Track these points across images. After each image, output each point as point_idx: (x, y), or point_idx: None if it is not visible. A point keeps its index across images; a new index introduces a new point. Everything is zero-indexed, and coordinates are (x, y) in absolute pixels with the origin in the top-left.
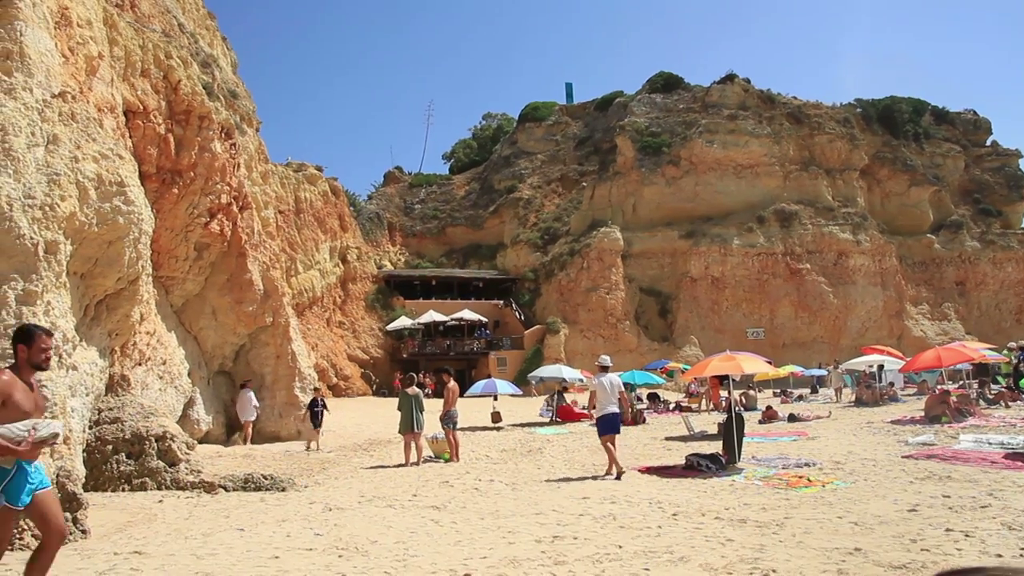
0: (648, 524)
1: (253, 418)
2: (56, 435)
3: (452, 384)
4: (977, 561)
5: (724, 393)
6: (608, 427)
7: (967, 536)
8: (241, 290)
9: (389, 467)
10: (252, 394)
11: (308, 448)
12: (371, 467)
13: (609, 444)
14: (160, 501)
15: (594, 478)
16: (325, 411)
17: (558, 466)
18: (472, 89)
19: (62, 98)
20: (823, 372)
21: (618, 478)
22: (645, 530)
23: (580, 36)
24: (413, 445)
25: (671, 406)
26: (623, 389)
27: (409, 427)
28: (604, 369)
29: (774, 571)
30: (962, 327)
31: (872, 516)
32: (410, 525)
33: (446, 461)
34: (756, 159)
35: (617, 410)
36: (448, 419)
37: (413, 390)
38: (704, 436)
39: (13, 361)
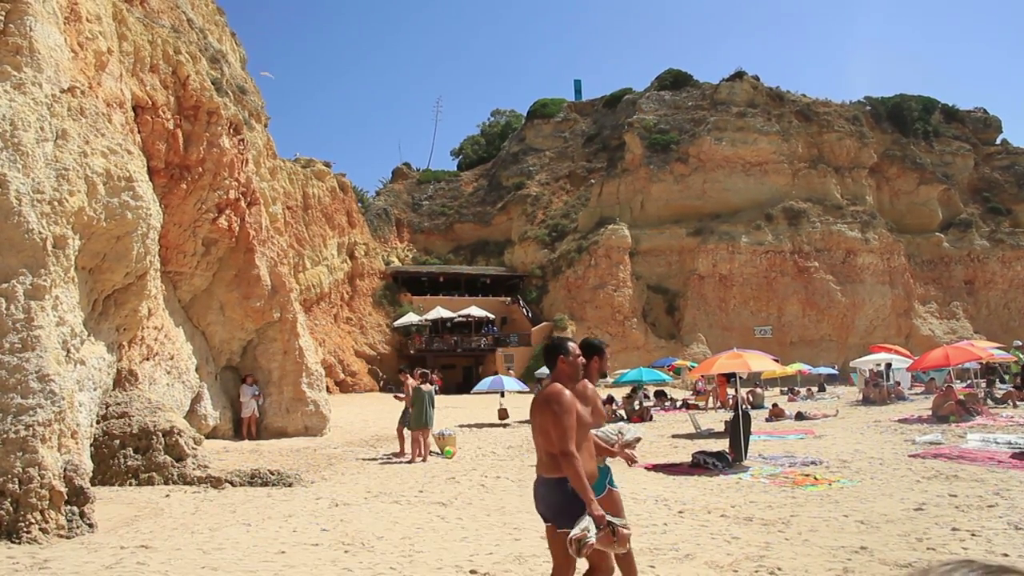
0: (654, 521)
1: (249, 413)
2: (639, 439)
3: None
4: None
5: (731, 391)
6: None
7: (973, 535)
8: (249, 286)
9: (396, 463)
10: (250, 388)
11: None
12: (378, 463)
13: None
14: (167, 496)
15: None
16: None
17: None
18: (481, 86)
19: (71, 93)
20: (832, 370)
21: None
22: (651, 527)
23: (589, 33)
24: (421, 441)
25: (678, 404)
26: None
27: (421, 423)
28: None
29: (780, 569)
30: (970, 326)
31: (878, 515)
32: (416, 521)
33: (448, 457)
34: (765, 157)
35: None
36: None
37: (427, 387)
38: (711, 434)
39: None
